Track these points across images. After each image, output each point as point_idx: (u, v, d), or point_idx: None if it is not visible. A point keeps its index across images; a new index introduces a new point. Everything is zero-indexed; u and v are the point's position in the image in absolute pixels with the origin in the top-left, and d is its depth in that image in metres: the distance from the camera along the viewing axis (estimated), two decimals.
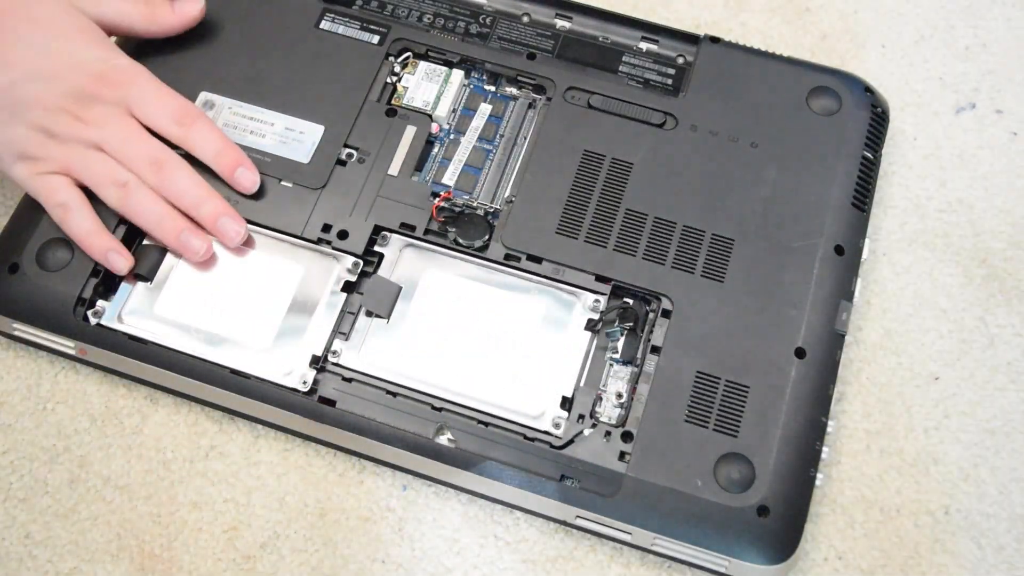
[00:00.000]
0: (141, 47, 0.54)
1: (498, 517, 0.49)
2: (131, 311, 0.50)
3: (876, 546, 0.47)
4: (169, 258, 0.51)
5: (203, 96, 0.54)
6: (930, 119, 0.57)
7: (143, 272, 0.50)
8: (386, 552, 0.48)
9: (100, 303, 0.50)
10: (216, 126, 0.51)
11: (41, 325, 0.50)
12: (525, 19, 0.58)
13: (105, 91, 0.50)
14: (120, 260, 0.49)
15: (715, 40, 0.56)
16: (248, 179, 0.51)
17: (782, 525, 0.45)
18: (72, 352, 0.50)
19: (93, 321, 0.50)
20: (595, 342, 0.49)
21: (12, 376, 0.52)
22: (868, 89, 0.54)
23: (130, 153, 0.49)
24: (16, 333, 0.50)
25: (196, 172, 0.50)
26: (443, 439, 0.47)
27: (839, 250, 0.50)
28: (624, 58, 0.56)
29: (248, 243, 0.51)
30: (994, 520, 0.48)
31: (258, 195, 0.52)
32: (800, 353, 0.48)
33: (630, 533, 0.46)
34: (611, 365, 0.49)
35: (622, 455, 0.46)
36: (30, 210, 0.51)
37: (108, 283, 0.50)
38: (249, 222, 0.51)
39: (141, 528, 0.48)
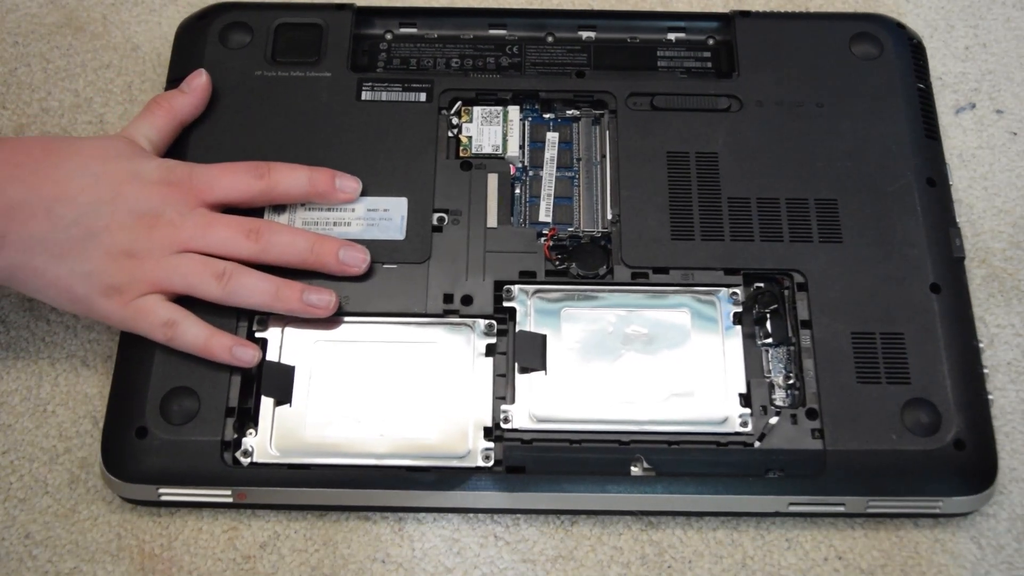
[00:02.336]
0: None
1: (498, 517, 0.49)
2: (281, 440, 0.47)
3: (876, 546, 0.48)
4: (301, 373, 0.48)
5: None
6: None
7: (277, 395, 0.48)
8: (386, 552, 0.48)
9: (245, 442, 0.47)
10: (296, 168, 0.50)
11: (191, 483, 0.46)
12: (550, 39, 0.57)
13: (171, 193, 0.48)
14: (247, 352, 0.47)
15: (746, 14, 0.56)
16: (349, 182, 0.51)
17: (979, 452, 0.47)
18: (229, 500, 0.47)
19: (245, 462, 0.47)
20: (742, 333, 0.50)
21: (12, 377, 0.51)
22: (900, 25, 0.57)
23: (219, 238, 0.48)
24: (164, 498, 0.47)
25: (292, 227, 0.50)
26: (638, 470, 0.47)
27: (931, 182, 0.52)
28: (658, 52, 0.57)
29: (379, 337, 0.49)
30: (994, 520, 0.49)
31: (369, 285, 0.49)
32: (935, 288, 0.50)
33: (844, 504, 0.47)
34: (766, 351, 0.50)
35: (814, 432, 0.47)
36: (133, 365, 0.48)
37: (244, 419, 0.48)
38: (367, 314, 0.49)
39: (141, 528, 0.48)
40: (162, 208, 0.48)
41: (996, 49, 0.61)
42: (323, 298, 0.48)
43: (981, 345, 0.50)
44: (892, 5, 0.62)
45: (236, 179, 0.49)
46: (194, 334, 0.47)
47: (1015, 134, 0.58)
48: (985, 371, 0.49)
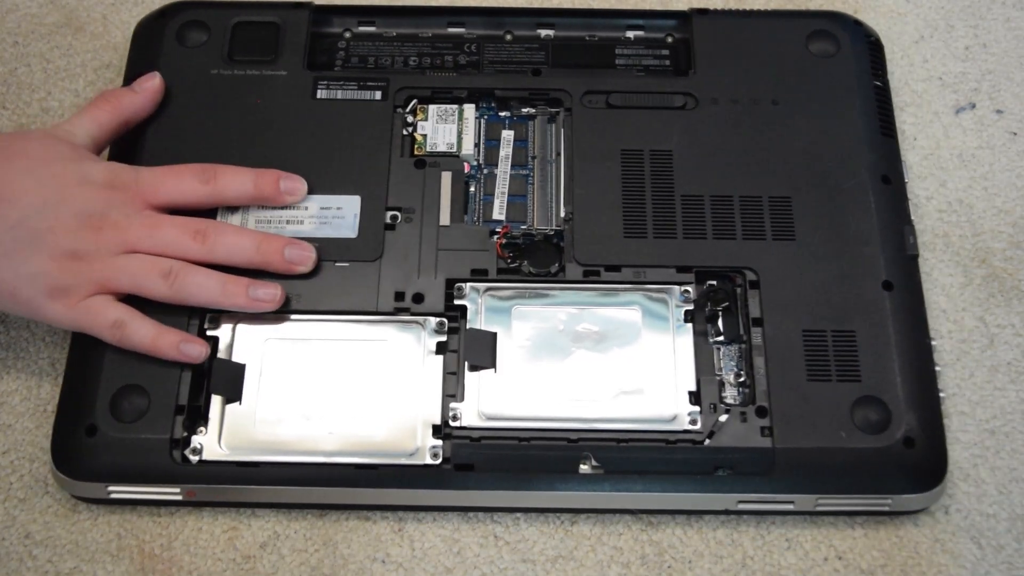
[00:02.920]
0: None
1: (498, 517, 0.48)
2: (230, 437, 0.47)
3: (876, 546, 0.48)
4: (252, 370, 0.48)
5: None
6: (930, 119, 0.58)
7: (227, 393, 0.48)
8: (386, 552, 0.48)
9: (195, 440, 0.47)
10: (241, 171, 0.50)
11: (140, 480, 0.46)
12: (508, 37, 0.57)
13: (117, 195, 0.48)
14: (195, 348, 0.47)
15: (704, 12, 0.56)
16: (294, 182, 0.51)
17: (929, 449, 0.47)
18: (179, 497, 0.47)
19: (194, 459, 0.47)
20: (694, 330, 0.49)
21: (12, 377, 0.51)
22: (857, 22, 0.56)
23: (166, 239, 0.48)
24: (113, 496, 0.47)
25: (238, 226, 0.50)
26: (587, 468, 0.47)
27: (886, 179, 0.52)
28: (617, 50, 0.57)
29: (330, 334, 0.49)
30: (994, 520, 0.48)
31: (320, 283, 0.49)
32: (887, 285, 0.50)
33: (792, 502, 0.47)
34: (718, 349, 0.49)
35: (763, 430, 0.47)
36: (83, 363, 0.48)
37: (195, 416, 0.48)
38: (319, 312, 0.49)
39: (141, 528, 0.48)
40: (107, 210, 0.48)
41: (996, 49, 0.61)
42: (269, 292, 0.48)
43: (935, 344, 0.50)
44: (892, 5, 0.62)
45: (181, 182, 0.49)
46: (142, 333, 0.47)
47: (1015, 134, 0.58)
48: (937, 368, 0.49)
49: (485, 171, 0.53)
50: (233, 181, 0.50)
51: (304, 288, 0.49)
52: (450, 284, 0.50)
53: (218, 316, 0.49)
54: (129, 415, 0.47)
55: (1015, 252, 0.55)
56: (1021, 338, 0.53)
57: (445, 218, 0.51)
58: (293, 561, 0.47)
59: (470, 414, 0.47)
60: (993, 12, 0.62)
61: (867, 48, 0.56)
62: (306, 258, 0.49)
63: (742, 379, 0.49)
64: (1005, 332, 0.53)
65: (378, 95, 0.54)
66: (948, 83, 0.60)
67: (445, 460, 0.47)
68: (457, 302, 0.50)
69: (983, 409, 0.51)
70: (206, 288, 0.48)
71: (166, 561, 0.47)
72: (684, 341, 0.49)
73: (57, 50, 0.60)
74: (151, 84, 0.53)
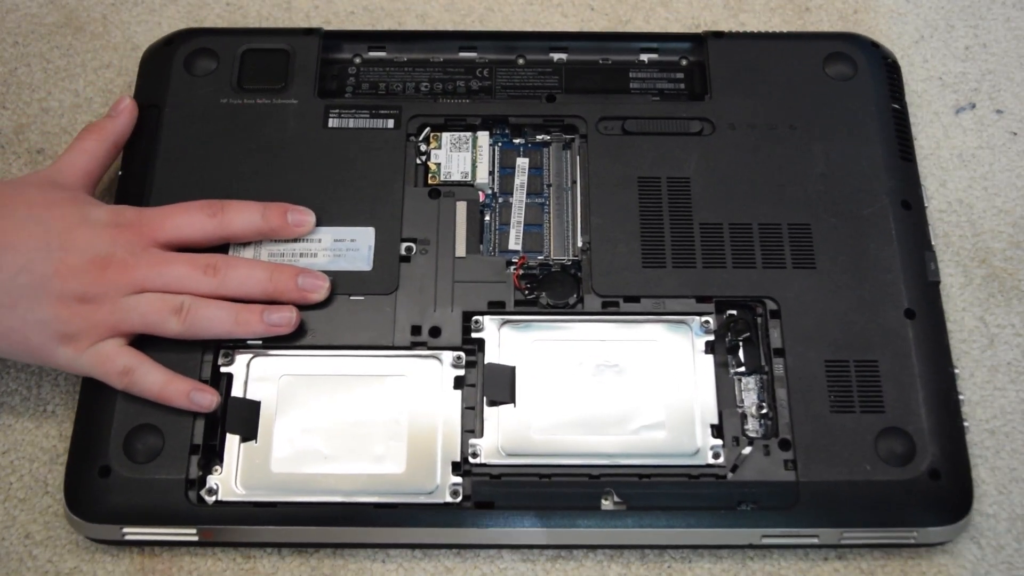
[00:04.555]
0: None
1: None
2: (246, 477, 0.46)
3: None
4: (267, 407, 0.47)
5: None
6: (930, 119, 0.58)
7: (242, 432, 0.47)
8: (386, 552, 0.47)
9: (210, 480, 0.46)
10: (249, 205, 0.50)
11: (155, 522, 0.46)
12: (521, 61, 0.57)
13: (121, 234, 0.48)
14: (206, 397, 0.47)
15: (719, 35, 0.56)
16: (301, 215, 0.50)
17: (954, 481, 0.46)
18: (195, 538, 0.46)
19: (210, 500, 0.46)
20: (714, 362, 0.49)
21: (12, 377, 0.51)
22: (874, 44, 0.56)
23: (176, 275, 0.47)
24: (128, 538, 0.46)
25: (248, 259, 0.49)
26: (609, 504, 0.46)
27: (906, 205, 0.52)
28: (631, 74, 0.56)
29: (345, 369, 0.48)
30: (994, 520, 0.48)
31: (335, 317, 0.49)
32: (909, 314, 0.49)
33: (817, 536, 0.46)
34: (739, 380, 0.49)
35: (787, 463, 0.47)
36: (96, 403, 0.47)
37: (209, 456, 0.47)
38: (334, 347, 0.48)
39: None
40: (112, 249, 0.47)
41: (996, 49, 0.60)
42: (284, 316, 0.48)
43: (957, 372, 0.49)
44: (892, 5, 0.62)
45: (188, 218, 0.49)
46: (151, 381, 0.46)
47: (1015, 134, 0.58)
48: (961, 398, 0.49)
49: (500, 200, 0.53)
50: (240, 215, 0.49)
51: (319, 322, 0.49)
52: (467, 317, 0.49)
53: (231, 351, 0.48)
54: (143, 456, 0.46)
55: (1015, 252, 0.55)
56: (1021, 338, 0.53)
57: (461, 249, 0.51)
58: (293, 561, 0.47)
59: (490, 450, 0.47)
60: (993, 12, 0.62)
61: (885, 70, 0.55)
62: (319, 286, 0.48)
63: (764, 411, 0.48)
64: (1005, 332, 0.53)
65: (390, 123, 0.53)
66: (948, 83, 0.59)
67: (465, 498, 0.46)
68: (475, 335, 0.49)
69: (983, 409, 0.51)
70: (219, 320, 0.47)
71: (166, 561, 0.47)
72: (705, 373, 0.48)
73: (57, 50, 0.60)
74: (125, 105, 0.53)
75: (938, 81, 0.59)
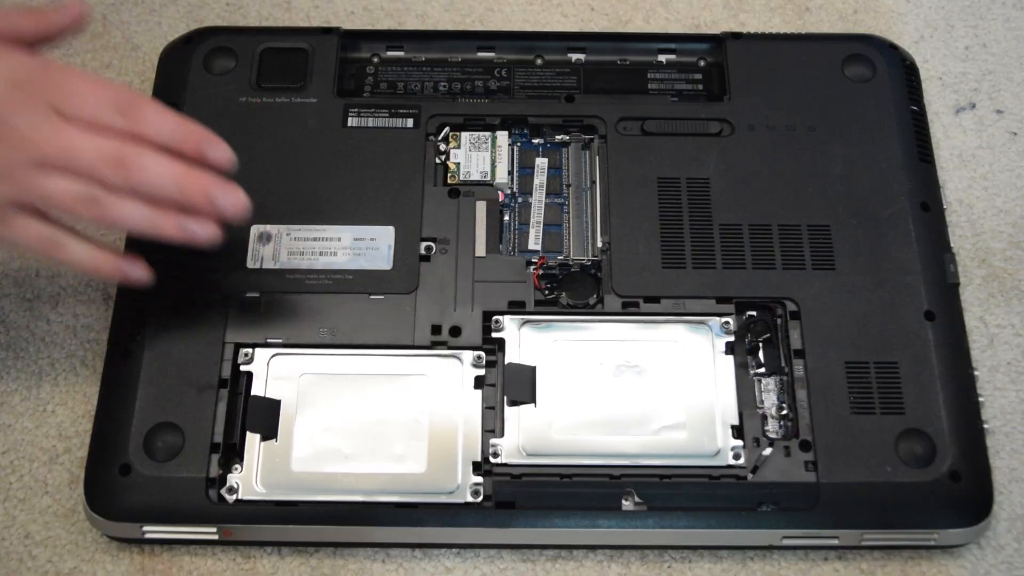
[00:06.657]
0: None
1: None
2: (267, 475, 0.46)
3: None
4: (287, 406, 0.47)
5: (255, 229, 0.50)
6: (930, 119, 0.57)
7: (263, 430, 0.47)
8: (386, 552, 0.47)
9: (231, 478, 0.46)
10: (166, 107, 0.45)
11: (175, 520, 0.46)
12: (539, 62, 0.57)
13: (23, 98, 0.42)
14: (139, 270, 0.45)
15: (737, 36, 0.56)
16: (221, 153, 0.44)
17: (975, 483, 0.46)
18: (215, 537, 0.46)
19: (230, 499, 0.46)
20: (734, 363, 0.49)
21: (12, 377, 0.51)
22: (892, 46, 0.56)
23: (80, 162, 0.42)
24: (148, 536, 0.46)
25: (162, 155, 0.43)
26: (629, 504, 0.46)
27: (925, 207, 0.52)
28: (649, 75, 0.56)
29: (366, 368, 0.48)
30: (994, 520, 0.48)
31: (355, 316, 0.49)
32: (929, 315, 0.49)
33: (837, 538, 0.46)
34: (759, 381, 0.49)
35: (807, 465, 0.47)
36: (116, 401, 0.47)
37: (230, 454, 0.47)
38: (354, 346, 0.48)
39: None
40: (12, 118, 0.42)
41: (996, 49, 0.61)
42: (208, 229, 0.44)
43: (976, 374, 0.49)
44: (892, 5, 0.62)
45: (97, 104, 0.43)
46: (77, 251, 0.44)
47: (1015, 134, 0.58)
48: (981, 399, 0.49)
49: (519, 200, 0.53)
50: (156, 123, 0.43)
51: (339, 321, 0.49)
52: (487, 317, 0.49)
53: (251, 351, 0.48)
54: (163, 454, 0.46)
55: (1015, 252, 0.55)
56: (1021, 338, 0.53)
57: (480, 249, 0.51)
58: (293, 561, 0.47)
59: (510, 450, 0.47)
60: (993, 12, 0.62)
61: (903, 72, 0.55)
62: (237, 203, 0.43)
63: (784, 412, 0.48)
64: (1005, 332, 0.53)
65: (410, 123, 0.53)
66: (948, 83, 0.59)
67: (486, 497, 0.46)
68: (495, 335, 0.49)
69: (983, 409, 0.50)
70: (133, 219, 0.43)
71: (166, 561, 0.47)
72: (725, 373, 0.48)
73: (57, 50, 0.59)
74: (74, 8, 0.45)
75: (938, 81, 0.59)
